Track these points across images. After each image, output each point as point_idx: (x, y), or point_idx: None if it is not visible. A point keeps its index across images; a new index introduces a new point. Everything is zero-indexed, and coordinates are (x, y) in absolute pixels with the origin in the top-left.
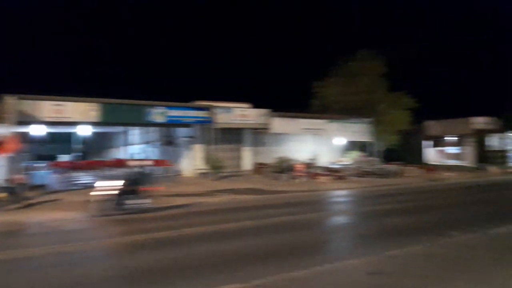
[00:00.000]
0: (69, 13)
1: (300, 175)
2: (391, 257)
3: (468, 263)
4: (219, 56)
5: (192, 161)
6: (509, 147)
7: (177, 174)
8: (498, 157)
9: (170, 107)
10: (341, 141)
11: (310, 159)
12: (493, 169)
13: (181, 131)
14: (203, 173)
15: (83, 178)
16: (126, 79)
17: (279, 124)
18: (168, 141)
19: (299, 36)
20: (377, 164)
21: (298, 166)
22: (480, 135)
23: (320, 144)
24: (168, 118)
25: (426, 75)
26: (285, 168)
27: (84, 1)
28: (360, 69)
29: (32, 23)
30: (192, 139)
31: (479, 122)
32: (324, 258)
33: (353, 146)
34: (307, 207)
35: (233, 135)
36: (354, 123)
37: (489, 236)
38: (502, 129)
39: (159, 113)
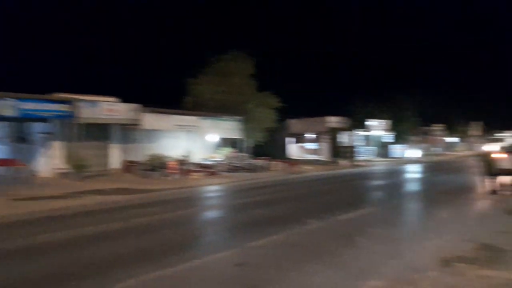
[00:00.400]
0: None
1: (173, 173)
2: (256, 248)
3: (322, 248)
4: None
5: (50, 160)
6: (356, 143)
7: (32, 175)
8: (348, 152)
9: (23, 99)
10: (213, 137)
11: (183, 156)
12: (343, 163)
13: (38, 127)
14: (64, 173)
15: None
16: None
17: (150, 120)
18: (20, 138)
19: (174, 33)
20: (246, 159)
21: (170, 163)
22: (333, 133)
23: (193, 140)
24: (21, 112)
25: (290, 77)
26: (157, 165)
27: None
28: (231, 69)
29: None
30: (50, 136)
31: (333, 121)
32: (194, 254)
33: (225, 142)
34: (178, 204)
35: (99, 131)
36: (226, 120)
37: (339, 221)
38: (351, 128)
39: (8, 105)
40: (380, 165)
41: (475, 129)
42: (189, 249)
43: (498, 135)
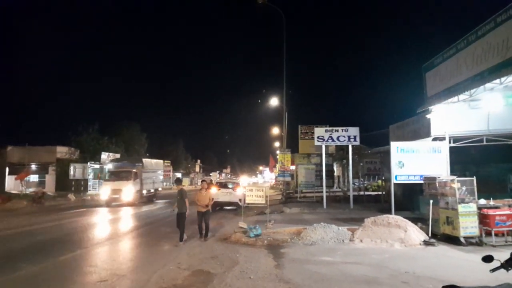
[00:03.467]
0: None
1: None
2: None
3: None
4: None
5: None
6: (89, 176)
7: None
8: (79, 185)
9: None
10: None
11: None
12: (71, 196)
13: None
14: None
15: None
16: None
17: None
18: None
19: None
20: None
21: None
22: (62, 164)
23: None
24: None
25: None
26: None
27: None
28: None
29: None
30: None
31: (62, 151)
32: None
33: None
34: None
35: None
36: None
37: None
38: (84, 160)
39: None
40: None
41: (196, 165)
42: None
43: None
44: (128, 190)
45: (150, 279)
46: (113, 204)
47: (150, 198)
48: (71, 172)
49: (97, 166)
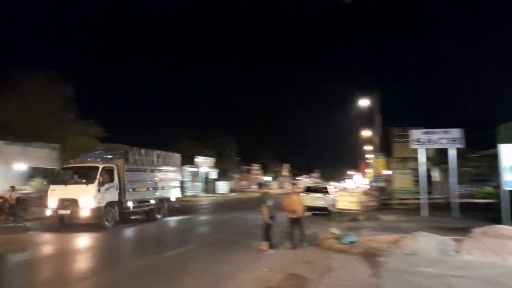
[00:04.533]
0: None
1: None
2: None
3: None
4: None
5: None
6: (185, 179)
7: None
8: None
9: None
10: (21, 166)
11: None
12: None
13: None
14: None
15: None
16: None
17: None
18: None
19: None
20: None
21: None
22: None
23: None
24: None
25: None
26: None
27: None
28: (44, 91)
29: None
30: None
31: None
32: None
33: (35, 172)
34: None
35: None
36: (38, 147)
37: (163, 259)
38: (182, 163)
39: None
40: (207, 200)
41: (285, 169)
42: None
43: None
44: (87, 201)
45: (245, 280)
46: (66, 222)
47: (149, 214)
48: None
49: (192, 169)
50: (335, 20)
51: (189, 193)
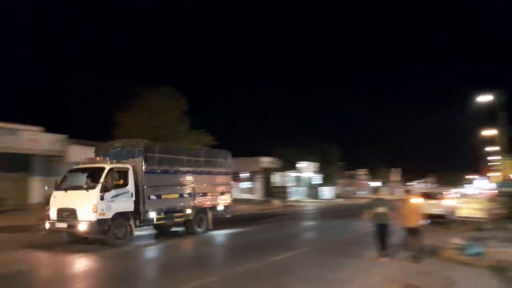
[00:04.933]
0: None
1: None
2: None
3: None
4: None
5: None
6: (288, 184)
7: None
8: (280, 192)
9: None
10: None
11: None
12: (276, 202)
13: None
14: None
15: None
16: None
17: (77, 152)
18: None
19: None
20: None
21: None
22: (266, 173)
23: None
24: None
25: (222, 116)
26: None
27: None
28: (163, 104)
29: None
30: None
31: (266, 161)
32: None
33: None
34: None
35: (18, 163)
36: None
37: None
38: (283, 168)
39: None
40: (311, 206)
41: (395, 174)
42: None
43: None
44: (85, 212)
45: None
46: (65, 237)
47: (187, 226)
48: (273, 180)
49: (295, 174)
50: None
51: (293, 198)
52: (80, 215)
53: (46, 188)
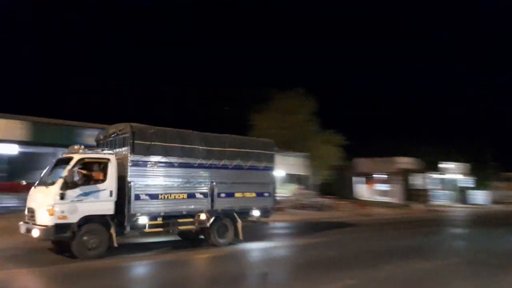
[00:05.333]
0: None
1: None
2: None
3: None
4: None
5: None
6: (431, 187)
7: None
8: (421, 195)
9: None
10: (280, 173)
11: None
12: (417, 206)
13: None
14: None
15: (7, 201)
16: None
17: None
18: None
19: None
20: (312, 197)
21: None
22: (405, 174)
23: None
24: None
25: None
26: None
27: None
28: (294, 106)
29: None
30: None
31: (404, 162)
32: None
33: (290, 178)
34: None
35: None
36: (291, 156)
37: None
38: (424, 170)
39: (91, 135)
40: (459, 211)
41: None
42: None
43: None
44: (42, 214)
45: None
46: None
47: (205, 235)
48: (412, 182)
49: (436, 175)
50: None
51: (436, 202)
52: (38, 217)
53: (23, 182)
